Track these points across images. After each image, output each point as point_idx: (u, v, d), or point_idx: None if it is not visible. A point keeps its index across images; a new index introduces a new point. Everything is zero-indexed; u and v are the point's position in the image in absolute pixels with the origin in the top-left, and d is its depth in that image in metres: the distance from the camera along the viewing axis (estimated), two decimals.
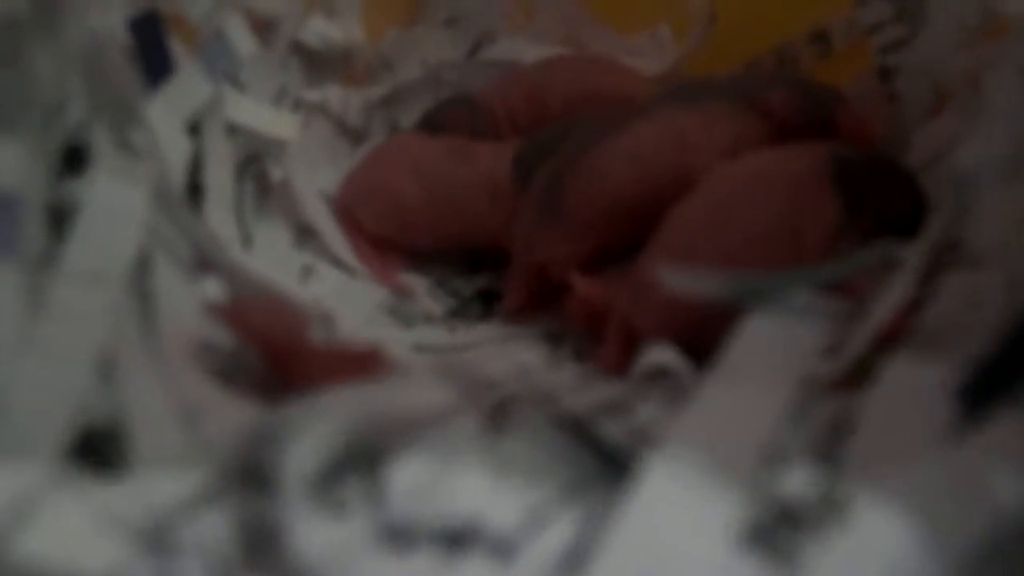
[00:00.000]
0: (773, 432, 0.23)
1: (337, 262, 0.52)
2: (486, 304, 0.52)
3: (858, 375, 0.29)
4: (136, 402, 0.26)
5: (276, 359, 0.32)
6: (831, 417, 0.25)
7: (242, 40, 0.48)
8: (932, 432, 0.23)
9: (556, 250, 0.46)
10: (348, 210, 0.53)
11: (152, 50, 0.45)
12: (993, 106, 0.27)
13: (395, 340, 0.48)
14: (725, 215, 0.41)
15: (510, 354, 0.27)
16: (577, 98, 0.53)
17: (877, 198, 0.41)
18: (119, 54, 0.42)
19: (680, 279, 0.30)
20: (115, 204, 0.30)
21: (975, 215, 0.28)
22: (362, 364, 0.31)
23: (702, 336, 0.34)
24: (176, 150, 0.42)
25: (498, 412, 0.25)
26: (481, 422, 0.24)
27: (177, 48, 0.47)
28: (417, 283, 0.52)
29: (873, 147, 0.47)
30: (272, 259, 0.49)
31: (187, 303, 0.33)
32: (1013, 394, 0.23)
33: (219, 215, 0.47)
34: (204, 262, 0.38)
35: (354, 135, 0.58)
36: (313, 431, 0.23)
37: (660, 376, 0.34)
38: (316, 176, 0.54)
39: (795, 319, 0.28)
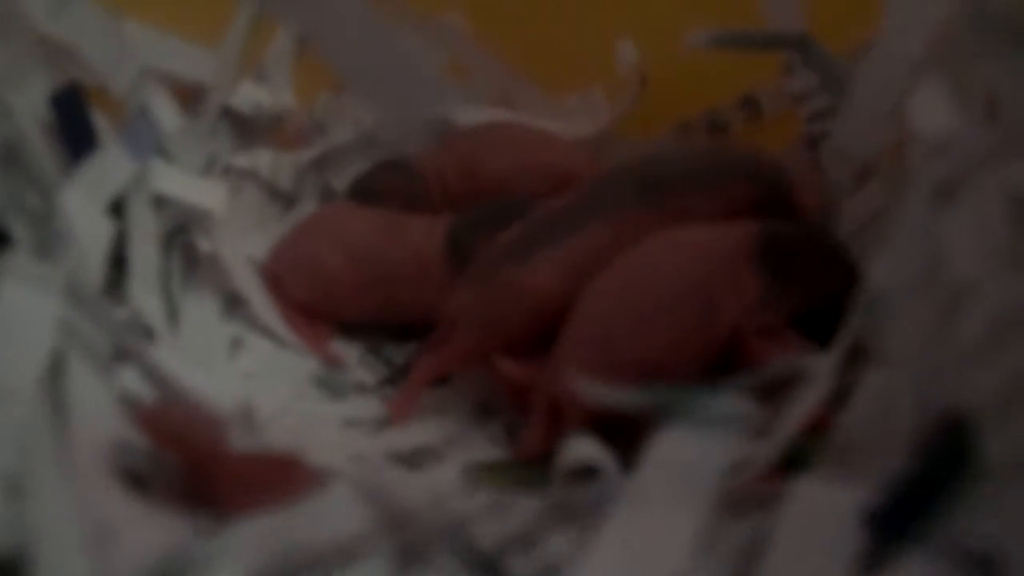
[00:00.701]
0: (682, 564, 0.24)
1: (266, 332, 0.51)
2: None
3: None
4: (44, 525, 0.26)
5: (194, 465, 0.32)
6: (742, 541, 0.25)
7: (167, 115, 0.48)
8: (841, 565, 0.24)
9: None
10: (276, 279, 0.53)
11: (74, 124, 0.45)
12: (903, 227, 0.28)
13: (323, 415, 0.48)
14: (639, 282, 0.42)
15: (427, 477, 0.27)
16: (511, 172, 0.54)
17: (804, 274, 0.42)
18: (38, 137, 0.42)
19: (595, 391, 0.30)
20: (24, 314, 0.30)
21: (887, 329, 0.28)
22: (281, 471, 0.31)
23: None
24: (96, 235, 0.42)
25: (410, 549, 0.25)
26: (392, 559, 0.24)
27: (100, 122, 0.47)
28: (348, 352, 0.52)
29: (811, 219, 0.48)
30: (199, 332, 0.49)
31: (102, 402, 0.33)
32: (921, 527, 0.24)
33: (144, 291, 0.47)
34: (122, 353, 0.37)
35: (285, 200, 0.57)
36: (224, 568, 0.23)
37: (583, 473, 0.35)
38: (245, 243, 0.54)
39: (709, 431, 0.28)
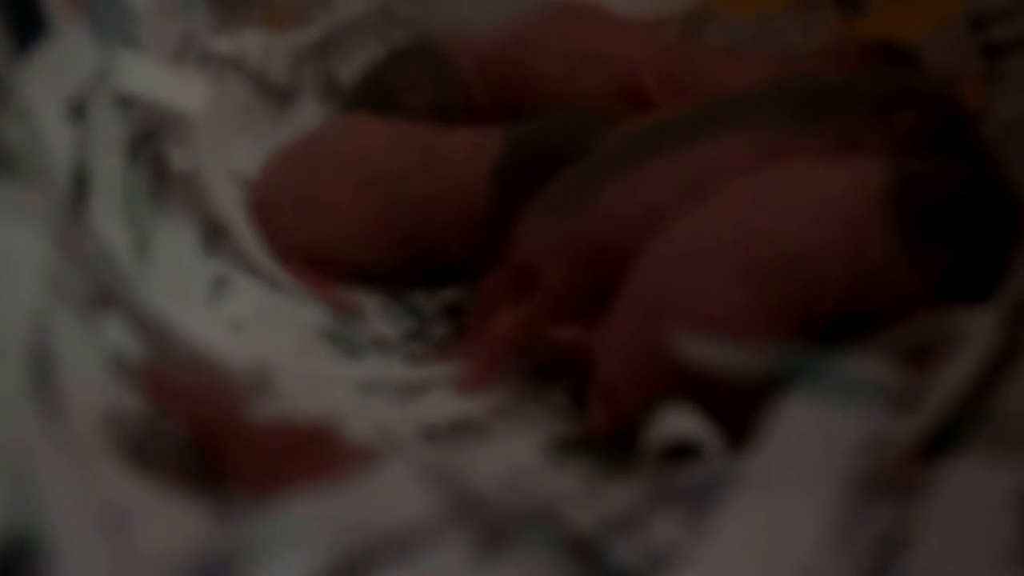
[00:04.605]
0: (812, 557, 0.29)
1: (257, 271, 0.56)
2: (456, 323, 0.57)
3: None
4: (53, 510, 0.31)
5: (206, 436, 0.37)
6: (882, 530, 0.30)
7: None
8: (999, 552, 0.29)
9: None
10: (268, 210, 0.58)
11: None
12: None
13: (336, 378, 0.53)
14: (716, 237, 0.46)
15: (503, 454, 0.32)
16: (569, 68, 0.58)
17: (951, 228, 0.45)
18: None
19: (697, 348, 0.34)
20: (11, 255, 0.34)
21: None
22: (312, 445, 0.36)
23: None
24: (59, 144, 0.46)
25: (492, 532, 0.30)
26: (472, 544, 0.29)
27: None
28: (363, 299, 0.57)
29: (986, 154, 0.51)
30: (174, 269, 0.53)
31: (92, 363, 0.38)
32: None
33: (107, 215, 0.51)
34: (104, 297, 0.42)
35: (279, 95, 0.62)
36: (285, 558, 0.28)
37: (679, 453, 0.40)
38: (228, 153, 0.58)
39: (841, 402, 0.33)
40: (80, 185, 0.50)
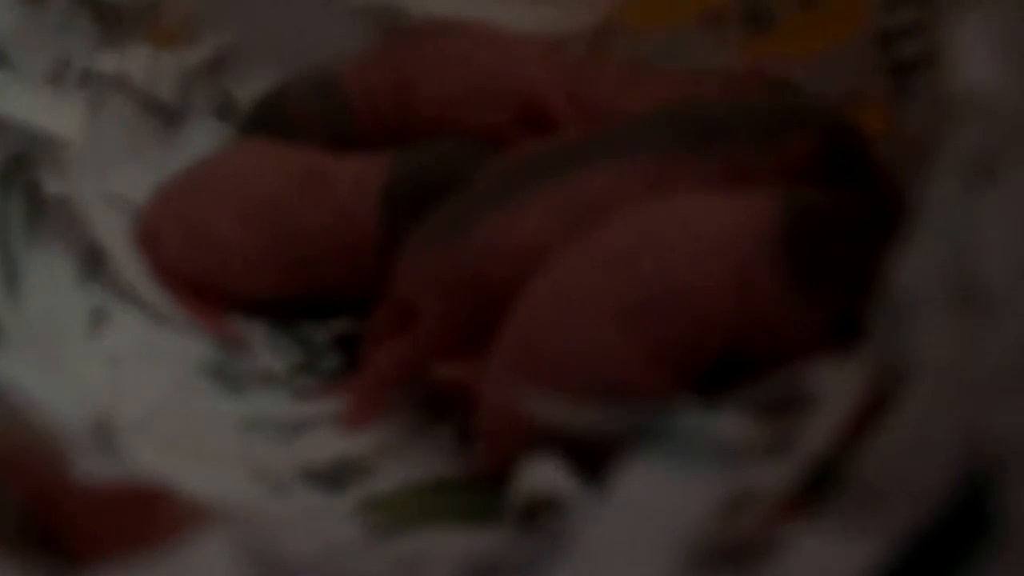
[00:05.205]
0: None
1: (139, 302, 0.55)
2: (348, 354, 0.55)
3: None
4: None
5: (37, 502, 0.35)
6: None
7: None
8: None
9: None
10: (155, 235, 0.56)
11: None
12: (929, 215, 0.30)
13: (217, 415, 0.51)
14: (594, 274, 0.44)
15: (322, 528, 0.31)
16: (455, 95, 0.57)
17: (847, 259, 0.44)
18: None
19: (548, 408, 0.33)
20: None
21: (913, 343, 0.31)
22: (144, 509, 0.34)
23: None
24: None
25: None
26: None
27: None
28: (250, 331, 0.56)
29: (887, 184, 0.50)
30: (49, 301, 0.52)
31: None
32: None
33: None
34: None
35: (167, 115, 0.60)
36: None
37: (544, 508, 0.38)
38: (111, 176, 0.57)
39: (695, 463, 0.31)
40: None
